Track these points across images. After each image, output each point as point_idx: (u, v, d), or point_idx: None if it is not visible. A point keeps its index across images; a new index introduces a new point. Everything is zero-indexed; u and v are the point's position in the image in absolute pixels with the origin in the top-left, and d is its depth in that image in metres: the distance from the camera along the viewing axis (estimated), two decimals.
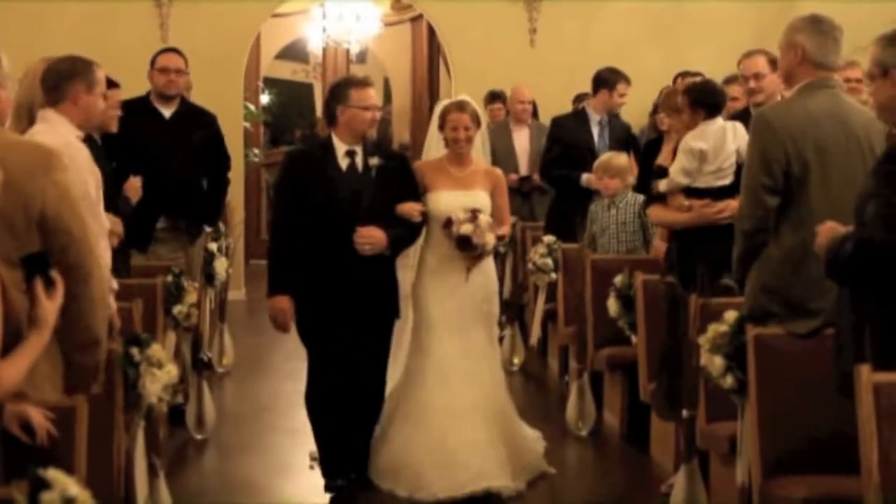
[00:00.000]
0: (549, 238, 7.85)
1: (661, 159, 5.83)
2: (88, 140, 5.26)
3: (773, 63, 5.72)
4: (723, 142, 5.46)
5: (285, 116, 17.88)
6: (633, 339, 6.10)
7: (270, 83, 16.83)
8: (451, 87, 11.68)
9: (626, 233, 6.99)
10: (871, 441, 3.31)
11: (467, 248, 5.52)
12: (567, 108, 9.82)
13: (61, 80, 4.30)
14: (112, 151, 6.12)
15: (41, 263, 3.05)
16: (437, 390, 5.53)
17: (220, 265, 7.61)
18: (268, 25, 13.09)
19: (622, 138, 8.28)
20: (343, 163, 5.48)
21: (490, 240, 5.52)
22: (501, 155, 8.85)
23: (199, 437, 6.58)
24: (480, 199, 5.64)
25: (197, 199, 7.11)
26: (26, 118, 4.43)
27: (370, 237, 5.36)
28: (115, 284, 4.51)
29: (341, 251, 5.36)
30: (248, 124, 12.91)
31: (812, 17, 4.50)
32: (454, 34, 11.76)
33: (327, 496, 5.52)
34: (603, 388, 6.96)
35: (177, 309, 5.96)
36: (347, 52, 16.15)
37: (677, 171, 5.49)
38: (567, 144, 8.28)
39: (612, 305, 6.17)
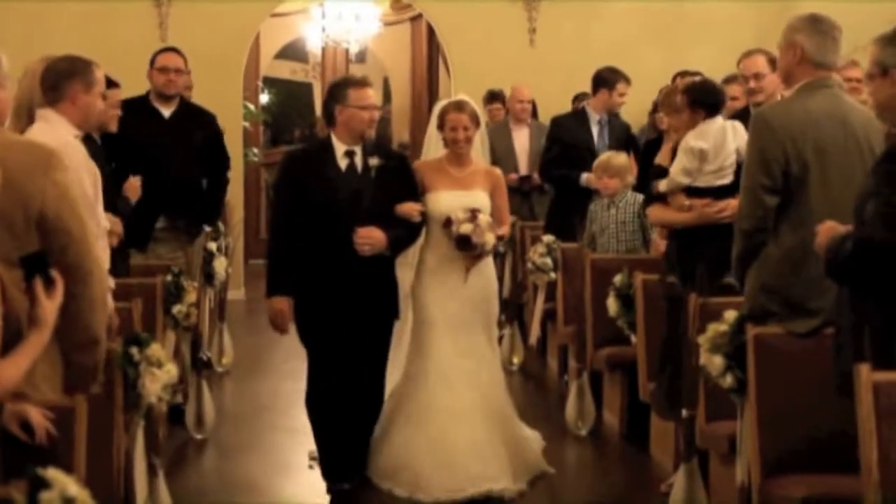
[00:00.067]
0: (548, 237, 7.85)
1: (660, 159, 5.82)
2: (88, 139, 5.27)
3: (772, 63, 5.72)
4: (723, 141, 5.47)
5: (285, 116, 17.87)
6: (633, 338, 6.10)
7: (270, 83, 16.82)
8: (451, 86, 11.68)
9: (625, 232, 6.99)
10: (870, 440, 3.31)
11: (467, 248, 5.52)
12: (566, 107, 9.83)
13: (60, 79, 4.30)
14: (111, 151, 6.12)
15: (40, 263, 3.06)
16: (437, 391, 5.53)
17: (220, 265, 7.61)
18: (267, 25, 13.09)
19: (622, 138, 8.28)
20: (342, 163, 5.47)
21: (489, 239, 5.51)
22: (501, 154, 8.86)
23: (198, 436, 6.58)
24: (480, 199, 5.64)
25: (196, 199, 7.11)
26: (26, 117, 4.43)
27: (370, 237, 5.36)
28: (112, 284, 4.51)
29: (341, 251, 5.35)
30: (247, 124, 12.91)
31: (811, 16, 4.50)
32: (454, 34, 11.76)
33: (327, 496, 5.52)
34: (602, 388, 6.96)
35: (176, 308, 5.95)
36: (347, 51, 16.15)
37: (678, 170, 5.48)
38: (567, 144, 8.28)
39: (612, 305, 6.17)
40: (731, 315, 4.41)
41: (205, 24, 11.11)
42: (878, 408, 3.31)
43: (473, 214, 5.49)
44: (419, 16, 14.49)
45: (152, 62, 7.15)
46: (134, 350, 4.28)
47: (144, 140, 6.80)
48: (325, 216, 5.38)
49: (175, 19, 11.15)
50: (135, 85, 7.10)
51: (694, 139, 5.46)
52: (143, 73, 7.19)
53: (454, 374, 5.55)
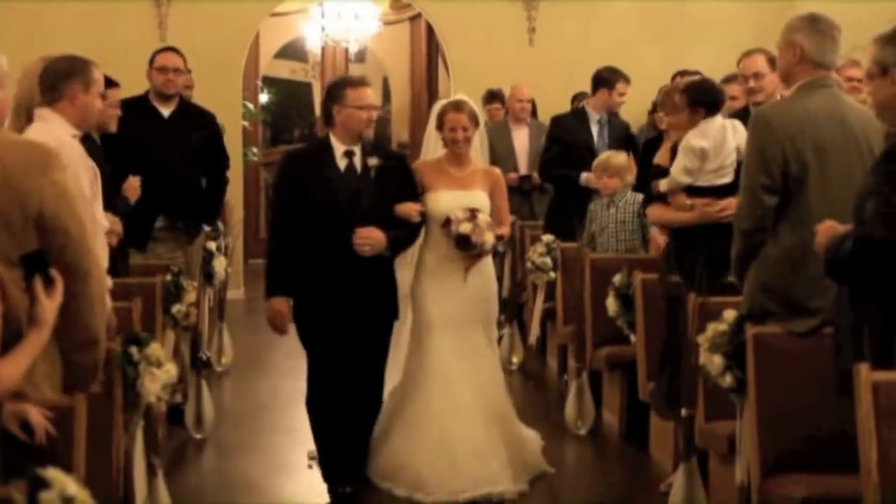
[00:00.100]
0: (547, 237, 7.85)
1: (659, 158, 5.82)
2: (87, 139, 5.27)
3: (772, 62, 5.72)
4: (723, 140, 5.47)
5: (284, 116, 17.87)
6: (632, 338, 6.10)
7: (269, 82, 16.82)
8: (450, 86, 11.69)
9: (625, 232, 6.99)
10: (869, 440, 3.31)
11: (466, 247, 5.51)
12: (566, 107, 9.83)
13: (59, 78, 4.30)
14: (110, 151, 6.12)
15: (40, 262, 3.05)
16: (436, 392, 5.52)
17: (219, 264, 7.60)
18: (266, 24, 13.09)
19: (621, 137, 8.28)
20: (341, 163, 5.45)
21: (489, 239, 5.51)
22: (501, 154, 8.85)
23: (197, 436, 6.58)
24: (479, 199, 5.63)
25: (196, 199, 7.11)
26: (25, 117, 4.43)
27: (370, 238, 5.35)
28: (110, 283, 4.51)
29: (340, 252, 5.34)
30: (246, 123, 12.91)
31: (810, 16, 4.51)
32: (453, 33, 11.76)
33: (327, 496, 5.51)
34: (602, 387, 6.96)
35: (176, 308, 5.95)
36: (346, 51, 16.15)
37: (679, 170, 5.48)
38: (566, 143, 8.28)
39: (611, 304, 6.17)
40: (730, 314, 4.41)
41: (204, 24, 11.11)
42: (878, 407, 3.31)
43: (472, 214, 5.49)
44: (418, 15, 14.50)
45: (151, 62, 7.15)
46: (133, 349, 4.28)
47: (143, 140, 6.80)
48: (325, 216, 5.37)
49: (174, 19, 11.15)
50: (134, 85, 7.10)
51: (694, 138, 5.46)
52: (142, 72, 7.18)
53: (454, 375, 5.54)
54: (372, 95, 5.52)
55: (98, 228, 4.42)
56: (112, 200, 5.61)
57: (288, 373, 7.62)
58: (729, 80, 6.56)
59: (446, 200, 5.58)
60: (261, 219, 14.30)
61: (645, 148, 6.99)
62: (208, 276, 7.53)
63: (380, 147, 5.84)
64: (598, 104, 8.33)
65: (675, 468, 5.19)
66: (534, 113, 9.81)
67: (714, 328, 4.40)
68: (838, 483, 3.88)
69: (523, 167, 9.31)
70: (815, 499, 4.00)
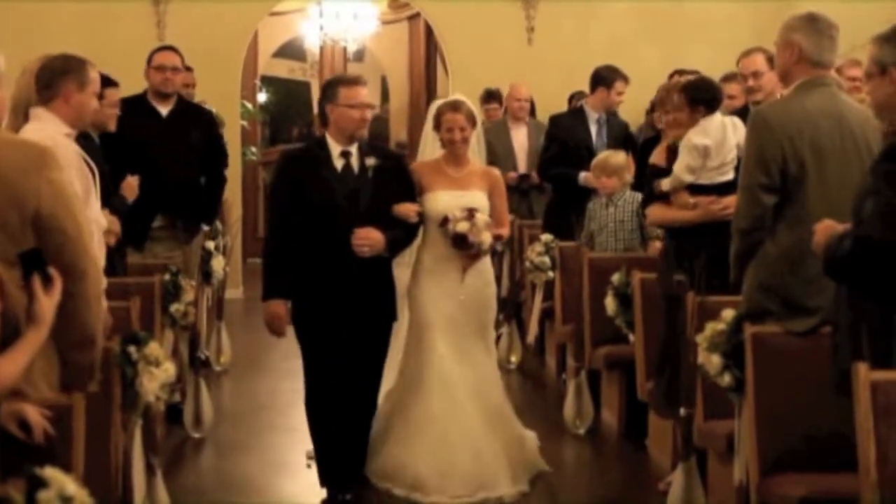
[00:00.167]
0: (546, 236, 7.85)
1: (655, 158, 5.81)
2: (86, 138, 5.28)
3: (771, 61, 5.72)
4: (724, 137, 5.47)
5: (283, 115, 17.86)
6: (631, 337, 6.10)
7: (268, 81, 16.82)
8: (449, 85, 11.69)
9: (623, 231, 6.98)
10: (868, 439, 3.31)
11: (463, 247, 5.51)
12: (564, 106, 9.84)
13: (54, 77, 4.30)
14: (109, 150, 6.12)
15: (38, 260, 3.05)
16: (436, 392, 5.50)
17: (218, 263, 7.60)
18: (265, 24, 13.09)
19: (620, 136, 8.29)
20: (338, 163, 5.42)
21: (486, 239, 5.50)
22: (500, 153, 8.86)
23: (196, 435, 6.58)
24: (478, 199, 5.62)
25: (194, 198, 7.11)
26: (22, 116, 4.43)
27: (368, 238, 5.33)
28: (105, 283, 4.50)
29: (338, 253, 5.32)
30: (245, 123, 12.91)
31: (808, 15, 4.51)
32: (452, 33, 11.76)
33: (324, 494, 5.51)
34: (601, 387, 6.96)
35: (174, 307, 5.95)
36: (345, 50, 16.14)
37: (682, 168, 5.47)
38: (565, 143, 8.28)
39: (610, 304, 6.17)
40: (728, 314, 4.40)
41: (203, 23, 11.11)
42: (876, 406, 3.31)
43: (470, 213, 5.48)
44: (417, 15, 14.49)
45: (149, 61, 7.15)
46: (132, 349, 4.27)
47: (142, 139, 6.80)
48: (322, 217, 5.35)
49: (173, 18, 11.15)
50: (133, 84, 7.10)
51: (696, 136, 5.46)
52: (141, 72, 7.18)
53: (452, 375, 5.53)
54: (366, 94, 5.47)
55: (94, 228, 4.41)
56: (110, 200, 5.61)
57: (287, 372, 7.62)
58: (728, 78, 6.56)
59: (444, 201, 5.57)
60: (259, 218, 14.30)
61: (643, 147, 6.99)
62: (207, 275, 7.52)
63: (377, 147, 5.83)
64: (597, 103, 8.33)
65: (674, 467, 5.19)
66: (532, 112, 9.81)
67: (713, 327, 4.40)
68: (837, 482, 3.88)
69: (522, 166, 9.31)
70: (814, 498, 4.00)
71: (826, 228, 3.71)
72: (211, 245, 7.53)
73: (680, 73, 7.39)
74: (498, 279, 6.86)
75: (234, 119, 11.33)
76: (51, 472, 2.57)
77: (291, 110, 17.94)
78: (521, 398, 7.24)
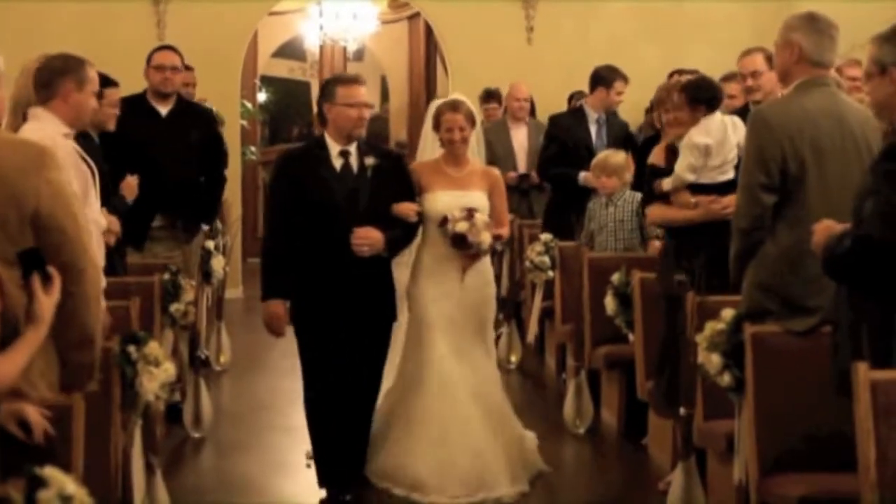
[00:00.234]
0: (546, 236, 7.85)
1: (654, 158, 5.80)
2: (85, 137, 5.28)
3: (770, 60, 5.72)
4: (725, 136, 5.47)
5: (282, 114, 17.87)
6: (631, 336, 6.10)
7: (267, 81, 16.82)
8: (449, 85, 11.69)
9: (623, 230, 6.98)
10: (868, 439, 3.31)
11: (462, 247, 5.51)
12: (564, 106, 9.83)
13: (53, 77, 4.30)
14: (109, 149, 6.12)
15: (37, 259, 3.05)
16: (435, 392, 5.49)
17: (217, 263, 7.60)
18: (265, 23, 13.08)
19: (620, 136, 8.28)
20: (337, 163, 5.41)
21: (485, 239, 5.50)
22: (500, 153, 8.86)
23: (196, 435, 6.58)
24: (477, 199, 5.62)
25: (194, 197, 7.11)
26: (22, 116, 4.43)
27: (368, 238, 5.32)
28: (104, 283, 4.51)
29: (338, 252, 5.31)
30: (245, 122, 12.91)
31: (808, 15, 4.51)
32: (451, 32, 11.76)
33: (324, 494, 5.51)
34: (600, 386, 6.96)
35: (174, 307, 5.95)
36: (344, 50, 16.14)
37: (684, 167, 5.47)
38: (565, 142, 8.28)
39: (610, 303, 6.17)
40: (728, 313, 4.40)
41: (203, 23, 11.11)
42: (876, 406, 3.31)
43: (470, 213, 5.48)
44: (417, 14, 14.50)
45: (149, 60, 7.15)
46: (132, 348, 4.27)
47: (142, 138, 6.80)
48: (321, 216, 5.34)
49: (173, 18, 11.15)
50: (133, 84, 7.10)
51: (698, 135, 5.46)
52: (141, 71, 7.18)
53: (452, 375, 5.52)
54: (364, 93, 5.44)
55: (94, 227, 4.41)
56: (110, 199, 5.61)
57: (286, 372, 7.61)
58: (728, 78, 6.57)
59: (444, 200, 5.57)
60: (259, 217, 14.29)
61: (643, 147, 6.99)
62: (206, 274, 7.52)
63: (376, 146, 5.82)
64: (596, 103, 8.33)
65: (674, 467, 5.19)
66: (532, 112, 9.81)
67: (712, 327, 4.40)
68: (836, 482, 3.88)
69: (522, 166, 9.31)
70: (813, 498, 4.00)
71: (825, 228, 3.71)
72: (211, 245, 7.53)
73: (679, 72, 7.39)
74: (498, 279, 6.86)
75: (233, 119, 11.34)
76: (50, 472, 2.57)
77: (291, 110, 17.94)
78: (521, 398, 7.24)
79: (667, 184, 5.56)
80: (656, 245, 6.45)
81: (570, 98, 10.15)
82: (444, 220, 5.50)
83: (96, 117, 5.46)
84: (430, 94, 14.88)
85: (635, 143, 7.96)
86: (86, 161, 4.64)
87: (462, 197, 5.58)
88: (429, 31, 13.80)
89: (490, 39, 11.49)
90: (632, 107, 9.31)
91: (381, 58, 16.66)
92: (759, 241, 4.43)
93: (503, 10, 11.58)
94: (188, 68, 7.93)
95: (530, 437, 5.93)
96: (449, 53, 11.84)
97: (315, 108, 6.98)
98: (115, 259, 5.53)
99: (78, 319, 3.25)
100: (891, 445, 3.30)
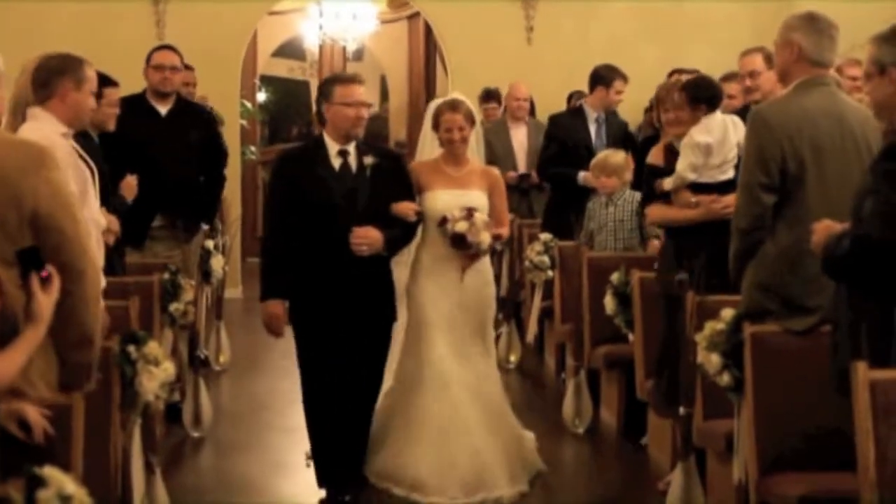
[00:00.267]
0: (545, 235, 7.85)
1: (652, 158, 5.80)
2: (85, 137, 5.27)
3: (769, 60, 5.72)
4: (725, 135, 5.47)
5: (282, 114, 17.88)
6: (630, 336, 6.10)
7: (267, 81, 16.83)
8: (448, 84, 11.69)
9: (623, 230, 6.98)
10: (867, 438, 3.31)
11: (462, 247, 5.51)
12: (564, 106, 9.83)
13: (51, 76, 4.30)
14: (108, 149, 6.12)
15: (36, 258, 3.05)
16: (435, 392, 5.49)
17: (217, 263, 7.60)
18: (264, 23, 13.09)
19: (619, 136, 8.28)
20: (335, 162, 5.40)
21: (485, 238, 5.49)
22: (499, 152, 8.86)
23: (195, 434, 6.58)
24: (477, 198, 5.62)
25: (193, 197, 7.11)
26: (21, 116, 4.43)
27: (367, 237, 5.32)
28: (103, 282, 4.51)
29: (337, 252, 5.30)
30: (244, 122, 12.91)
31: (808, 14, 4.51)
32: (451, 32, 11.76)
33: (323, 494, 5.51)
34: (600, 386, 6.96)
35: (173, 306, 5.95)
36: (344, 49, 16.15)
37: (685, 167, 5.47)
38: (564, 142, 8.28)
39: (609, 303, 6.17)
40: (728, 313, 4.41)
41: (202, 23, 11.11)
42: (875, 406, 3.31)
43: (469, 213, 5.48)
44: (416, 14, 14.50)
45: (148, 60, 7.15)
46: (131, 348, 4.28)
47: (141, 138, 6.80)
48: (320, 216, 5.33)
49: (173, 17, 11.15)
50: (133, 83, 7.10)
51: (699, 134, 5.46)
52: (141, 71, 7.18)
53: (451, 375, 5.52)
54: (362, 92, 5.43)
55: (93, 227, 4.41)
56: (109, 199, 5.61)
57: (286, 372, 7.60)
58: (727, 78, 6.56)
59: (444, 200, 5.57)
60: (258, 217, 14.26)
61: (643, 146, 6.98)
62: (206, 274, 7.52)
63: (375, 146, 5.82)
64: (596, 102, 8.33)
65: (673, 467, 5.20)
66: (532, 112, 9.81)
67: (712, 327, 4.40)
68: (836, 481, 3.89)
69: (522, 166, 9.31)
70: (813, 497, 4.00)
71: (825, 228, 3.71)
72: (210, 244, 7.53)
73: (679, 72, 7.39)
74: (497, 278, 6.87)
75: (233, 118, 11.33)
76: (50, 472, 2.57)
77: (291, 109, 17.95)
78: (521, 397, 7.24)
79: (668, 183, 5.56)
80: (656, 245, 6.45)
81: (570, 98, 10.16)
82: (443, 220, 5.50)
83: (96, 117, 5.46)
84: (430, 93, 14.88)
85: (635, 143, 7.96)
86: (84, 160, 4.64)
87: (462, 196, 5.58)
88: (428, 30, 13.81)
89: (490, 39, 11.49)
90: (631, 106, 9.30)
91: (380, 57, 16.67)
92: (758, 240, 4.43)
93: (503, 9, 11.58)
94: (188, 68, 7.93)
95: (529, 436, 5.93)
96: (448, 53, 11.84)
97: (314, 108, 7.00)
98: (114, 259, 5.53)
99: (77, 319, 3.25)
100: (890, 445, 3.30)
